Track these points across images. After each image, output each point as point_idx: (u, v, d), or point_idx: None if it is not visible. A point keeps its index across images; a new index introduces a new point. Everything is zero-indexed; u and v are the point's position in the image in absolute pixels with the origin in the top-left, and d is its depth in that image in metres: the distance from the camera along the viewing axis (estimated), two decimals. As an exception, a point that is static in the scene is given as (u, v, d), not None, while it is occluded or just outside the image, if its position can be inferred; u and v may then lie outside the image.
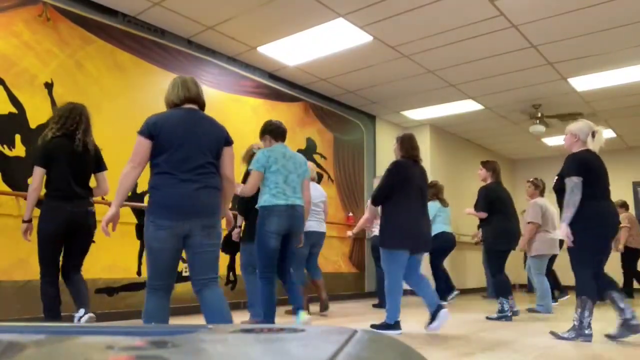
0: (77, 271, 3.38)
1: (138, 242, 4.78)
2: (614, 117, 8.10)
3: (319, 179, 6.89)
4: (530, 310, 5.57)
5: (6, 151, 3.98)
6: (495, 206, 4.87)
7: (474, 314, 5.36)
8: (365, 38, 5.33)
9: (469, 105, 7.62)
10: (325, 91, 7.12)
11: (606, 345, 3.41)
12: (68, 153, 3.27)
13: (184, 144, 2.44)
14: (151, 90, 5.09)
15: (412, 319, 4.89)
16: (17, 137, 4.05)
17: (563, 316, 5.01)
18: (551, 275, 6.14)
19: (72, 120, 3.31)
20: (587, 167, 3.64)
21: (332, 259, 7.06)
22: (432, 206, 6.32)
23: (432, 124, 8.69)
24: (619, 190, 9.82)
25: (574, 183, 3.58)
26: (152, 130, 2.42)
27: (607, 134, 9.02)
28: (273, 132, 3.70)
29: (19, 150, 4.06)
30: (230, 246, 5.64)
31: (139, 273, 4.74)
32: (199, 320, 3.86)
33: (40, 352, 0.44)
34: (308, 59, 5.92)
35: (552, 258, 5.92)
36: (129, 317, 4.51)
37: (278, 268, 3.53)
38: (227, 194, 2.66)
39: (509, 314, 4.72)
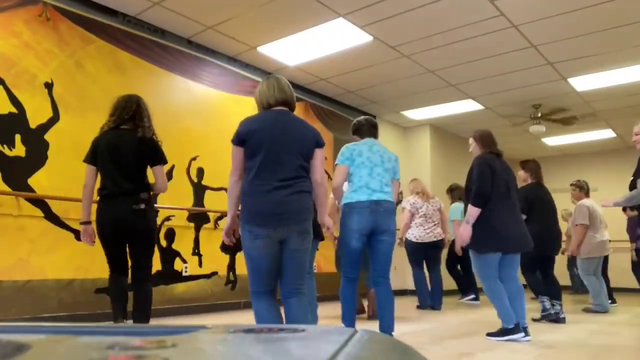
0: (141, 273, 3.10)
1: (138, 242, 4.77)
2: (614, 117, 8.10)
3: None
4: (586, 310, 5.59)
5: (6, 151, 3.98)
6: (532, 208, 4.63)
7: (474, 314, 5.36)
8: (365, 38, 5.32)
9: (469, 105, 7.62)
10: (325, 91, 7.12)
11: (606, 346, 3.41)
12: (114, 146, 3.01)
13: (276, 146, 2.39)
14: (151, 90, 5.09)
15: (413, 319, 4.89)
16: (17, 137, 4.06)
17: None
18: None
19: (129, 109, 3.09)
20: None
21: (332, 258, 7.06)
22: (458, 208, 6.36)
23: (432, 124, 8.69)
24: (619, 191, 9.81)
25: None
26: (243, 135, 2.42)
27: (607, 134, 9.04)
28: (358, 130, 3.51)
29: (19, 150, 4.06)
30: (230, 246, 5.65)
31: (139, 273, 4.74)
32: (198, 320, 3.86)
33: (40, 352, 0.44)
34: (308, 59, 5.92)
35: (605, 260, 5.88)
36: (129, 317, 4.50)
37: (373, 272, 3.23)
38: (321, 198, 2.59)
39: (552, 312, 4.58)
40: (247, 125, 2.44)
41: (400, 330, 4.00)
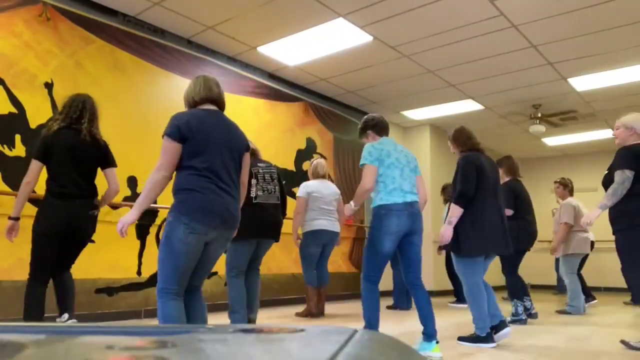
0: (66, 270, 3.16)
1: (138, 242, 4.78)
2: (614, 117, 8.07)
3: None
4: (560, 312, 5.50)
5: (6, 151, 3.98)
6: (518, 204, 4.67)
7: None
8: (365, 38, 5.33)
9: (469, 105, 7.62)
10: (325, 91, 7.12)
11: (606, 345, 3.41)
12: (71, 146, 3.01)
13: (221, 148, 2.38)
14: (151, 90, 5.09)
15: (413, 319, 4.89)
16: (17, 137, 4.06)
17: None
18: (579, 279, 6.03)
19: (75, 108, 3.06)
20: None
21: (332, 258, 7.03)
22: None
23: (432, 124, 8.69)
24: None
25: (625, 176, 3.32)
26: (184, 132, 2.31)
27: (607, 134, 9.03)
28: (376, 126, 3.30)
29: (19, 150, 4.06)
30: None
31: (139, 273, 4.74)
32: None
33: (40, 352, 0.44)
34: (308, 59, 5.92)
35: (584, 259, 5.86)
36: (129, 317, 4.51)
37: (407, 277, 3.12)
38: (241, 200, 2.59)
39: (524, 317, 4.55)
40: (187, 120, 2.35)
41: (400, 330, 4.00)
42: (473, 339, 3.39)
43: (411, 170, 3.19)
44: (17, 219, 3.04)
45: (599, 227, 6.75)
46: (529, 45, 5.51)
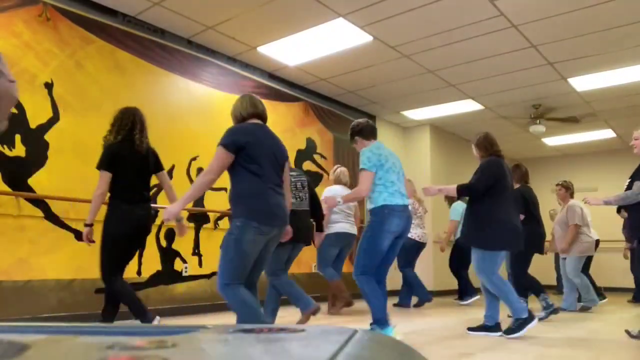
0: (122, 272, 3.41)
1: (138, 242, 4.77)
2: (614, 117, 8.10)
3: (319, 179, 6.91)
4: (582, 309, 5.65)
5: (6, 151, 3.98)
6: (529, 208, 4.87)
7: (474, 314, 5.36)
8: (365, 38, 5.32)
9: (469, 105, 7.62)
10: (325, 91, 7.12)
11: (606, 346, 3.41)
12: (130, 156, 3.34)
13: (269, 156, 2.66)
14: (151, 90, 5.09)
15: (413, 319, 4.90)
16: (17, 137, 4.05)
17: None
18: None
19: (127, 121, 3.39)
20: None
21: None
22: (456, 208, 6.59)
23: (432, 124, 8.69)
24: (619, 191, 9.82)
25: None
26: (239, 143, 2.58)
27: (607, 134, 9.04)
28: (362, 132, 3.52)
29: (19, 150, 4.06)
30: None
31: (139, 273, 4.74)
32: (198, 320, 3.86)
33: (40, 352, 0.44)
34: (308, 59, 5.92)
35: (588, 260, 6.04)
36: (129, 317, 4.51)
37: (378, 270, 3.34)
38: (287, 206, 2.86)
39: (554, 307, 4.79)
40: (243, 134, 2.64)
41: (400, 330, 4.01)
42: (520, 324, 3.58)
43: (402, 174, 3.45)
44: (91, 225, 3.32)
45: (602, 227, 6.79)
46: (529, 45, 5.51)
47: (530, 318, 3.58)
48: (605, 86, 6.63)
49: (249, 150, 2.58)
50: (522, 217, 4.58)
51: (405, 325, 4.38)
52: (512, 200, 3.77)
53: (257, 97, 2.89)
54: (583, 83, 6.59)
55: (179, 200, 2.64)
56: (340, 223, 5.08)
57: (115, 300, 3.33)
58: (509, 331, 3.62)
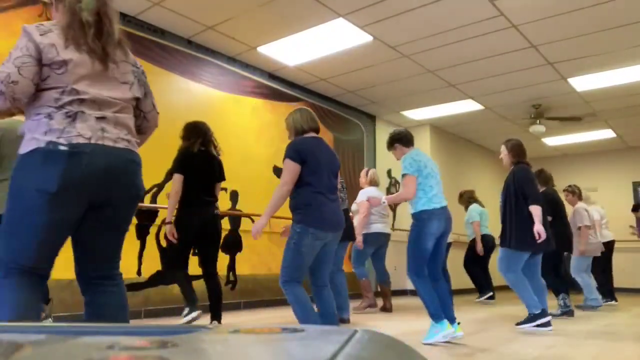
0: (212, 274, 3.94)
1: (138, 243, 4.77)
2: (614, 117, 8.10)
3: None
4: (579, 307, 5.79)
5: (6, 151, 3.98)
6: (557, 210, 5.11)
7: (474, 314, 5.36)
8: (365, 38, 5.33)
9: (469, 105, 7.62)
10: (325, 91, 7.12)
11: (607, 345, 3.41)
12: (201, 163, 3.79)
13: (328, 167, 2.94)
14: (151, 90, 5.08)
15: (413, 319, 4.90)
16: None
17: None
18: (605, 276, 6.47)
19: (201, 133, 3.84)
20: None
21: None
22: (474, 209, 6.78)
23: (432, 124, 8.69)
24: (619, 191, 9.84)
25: None
26: (304, 156, 2.86)
27: (607, 134, 9.04)
28: (403, 139, 3.74)
29: (19, 150, 4.05)
30: (230, 246, 5.65)
31: (139, 273, 4.74)
32: (198, 320, 3.86)
33: (40, 352, 0.44)
34: (308, 59, 5.93)
35: (606, 261, 6.28)
36: (129, 317, 4.51)
37: (430, 269, 3.54)
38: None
39: (572, 308, 5.05)
40: (305, 147, 2.91)
41: (401, 330, 4.01)
42: (530, 319, 4.00)
43: (440, 178, 3.69)
44: (170, 222, 3.76)
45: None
46: (529, 45, 5.51)
47: (543, 315, 3.97)
48: (605, 86, 6.64)
49: (310, 163, 2.86)
50: (550, 218, 4.84)
51: (405, 325, 4.38)
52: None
53: (312, 112, 3.16)
54: (583, 83, 6.59)
55: (264, 214, 2.91)
56: (376, 224, 5.33)
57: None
58: (520, 322, 4.06)
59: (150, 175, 4.72)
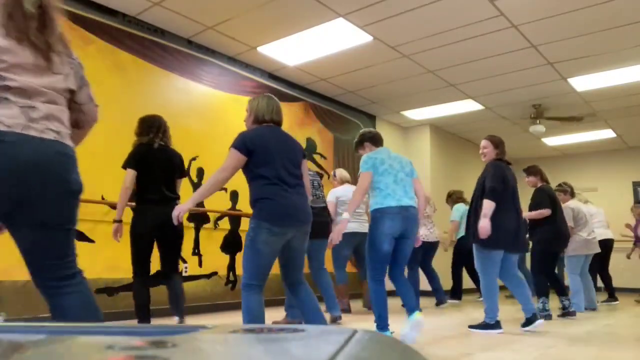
0: (171, 274, 3.64)
1: (138, 242, 4.77)
2: (614, 117, 8.10)
3: (320, 178, 6.89)
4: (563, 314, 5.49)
5: (6, 151, 3.98)
6: (553, 208, 4.98)
7: (474, 314, 5.36)
8: (365, 38, 5.32)
9: (469, 105, 7.62)
10: (325, 91, 7.11)
11: (606, 346, 3.41)
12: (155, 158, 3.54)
13: (281, 158, 2.71)
14: (151, 90, 5.09)
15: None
16: (17, 137, 4.05)
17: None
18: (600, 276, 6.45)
19: (160, 128, 3.60)
20: None
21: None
22: (456, 209, 6.74)
23: (432, 124, 8.69)
24: (619, 191, 9.84)
25: None
26: (249, 147, 2.67)
27: (607, 134, 9.04)
28: (372, 138, 3.67)
29: (19, 150, 4.05)
30: (230, 246, 5.65)
31: (139, 273, 4.74)
32: (198, 320, 3.86)
33: (40, 352, 0.44)
34: (308, 59, 5.92)
35: (602, 260, 6.22)
36: (129, 317, 4.51)
37: (391, 271, 3.47)
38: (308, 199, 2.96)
39: (550, 313, 4.87)
40: (255, 138, 2.71)
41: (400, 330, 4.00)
42: (482, 326, 3.90)
43: (406, 174, 3.47)
44: (120, 221, 3.52)
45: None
46: (529, 45, 5.51)
47: (496, 326, 3.88)
48: (605, 86, 6.63)
49: (259, 154, 2.67)
50: (548, 212, 4.89)
51: (404, 325, 4.38)
52: (513, 205, 3.96)
53: (278, 102, 2.95)
54: (583, 83, 6.59)
55: (190, 199, 2.67)
56: (350, 223, 5.07)
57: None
58: (473, 326, 4.01)
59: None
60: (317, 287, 4.09)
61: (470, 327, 4.01)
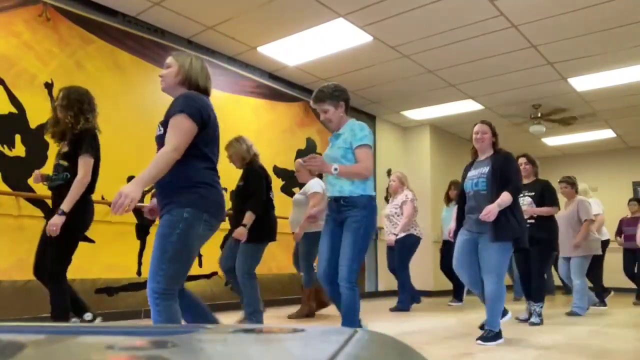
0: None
1: (138, 242, 4.77)
2: (614, 117, 8.10)
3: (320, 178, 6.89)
4: (570, 314, 5.28)
5: (6, 151, 3.98)
6: (556, 203, 4.66)
7: (474, 314, 5.36)
8: (365, 38, 5.32)
9: (469, 105, 7.62)
10: (325, 91, 7.11)
11: (604, 347, 3.41)
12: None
13: (217, 141, 2.24)
14: (151, 90, 5.08)
15: (413, 319, 4.90)
16: (17, 137, 4.06)
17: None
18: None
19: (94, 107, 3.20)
20: None
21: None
22: (448, 209, 6.53)
23: (432, 124, 8.69)
24: (619, 191, 9.84)
25: None
26: (205, 118, 2.11)
27: (607, 134, 9.04)
28: (348, 101, 3.22)
29: (19, 150, 4.06)
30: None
31: (139, 273, 4.74)
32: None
33: (40, 352, 0.44)
34: (308, 59, 5.92)
35: (599, 261, 6.01)
36: (129, 317, 4.51)
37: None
38: None
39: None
40: (208, 107, 2.17)
41: (401, 330, 4.00)
42: (494, 336, 3.35)
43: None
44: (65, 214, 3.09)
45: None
46: (529, 45, 5.51)
47: (500, 335, 3.41)
48: (605, 86, 6.63)
49: (210, 130, 2.14)
50: (557, 210, 4.65)
51: (405, 325, 4.38)
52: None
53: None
54: (583, 83, 6.59)
55: (137, 183, 1.95)
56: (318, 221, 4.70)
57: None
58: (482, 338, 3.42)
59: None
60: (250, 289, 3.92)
61: (479, 338, 3.41)
